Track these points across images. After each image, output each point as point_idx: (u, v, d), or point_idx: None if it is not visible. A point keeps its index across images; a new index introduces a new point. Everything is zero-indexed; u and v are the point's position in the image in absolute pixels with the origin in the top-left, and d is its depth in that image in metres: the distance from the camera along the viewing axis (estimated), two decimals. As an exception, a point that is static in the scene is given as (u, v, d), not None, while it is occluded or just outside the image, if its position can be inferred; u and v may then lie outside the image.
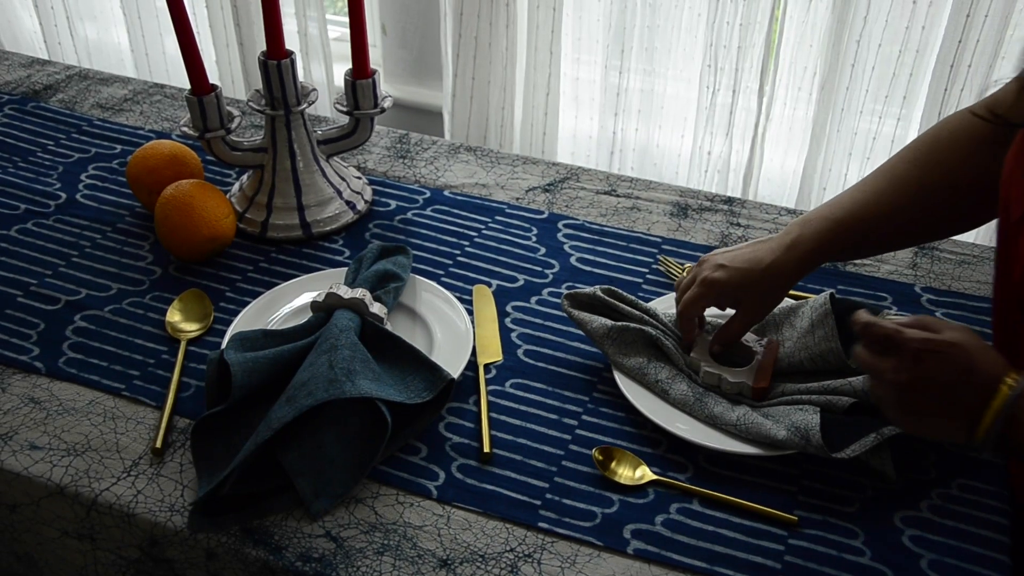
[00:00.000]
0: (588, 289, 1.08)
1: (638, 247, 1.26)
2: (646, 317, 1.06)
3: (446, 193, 1.36)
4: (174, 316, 1.14)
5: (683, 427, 0.98)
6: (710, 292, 1.01)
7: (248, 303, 1.14)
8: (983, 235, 1.79)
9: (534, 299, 1.17)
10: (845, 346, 0.98)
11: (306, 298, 1.14)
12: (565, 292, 1.09)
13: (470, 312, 1.14)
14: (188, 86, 1.20)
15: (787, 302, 1.10)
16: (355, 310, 1.04)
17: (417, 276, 1.18)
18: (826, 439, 0.92)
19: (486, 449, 0.97)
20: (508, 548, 0.88)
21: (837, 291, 1.12)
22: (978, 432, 0.78)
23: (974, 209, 1.00)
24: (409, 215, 1.32)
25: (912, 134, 1.80)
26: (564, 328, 1.13)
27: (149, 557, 0.93)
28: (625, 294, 1.08)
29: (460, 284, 1.19)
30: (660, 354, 1.04)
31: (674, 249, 1.25)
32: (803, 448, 0.93)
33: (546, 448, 0.98)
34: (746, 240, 1.27)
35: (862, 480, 0.94)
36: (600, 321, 1.05)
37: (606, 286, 1.09)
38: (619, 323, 1.04)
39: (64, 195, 1.35)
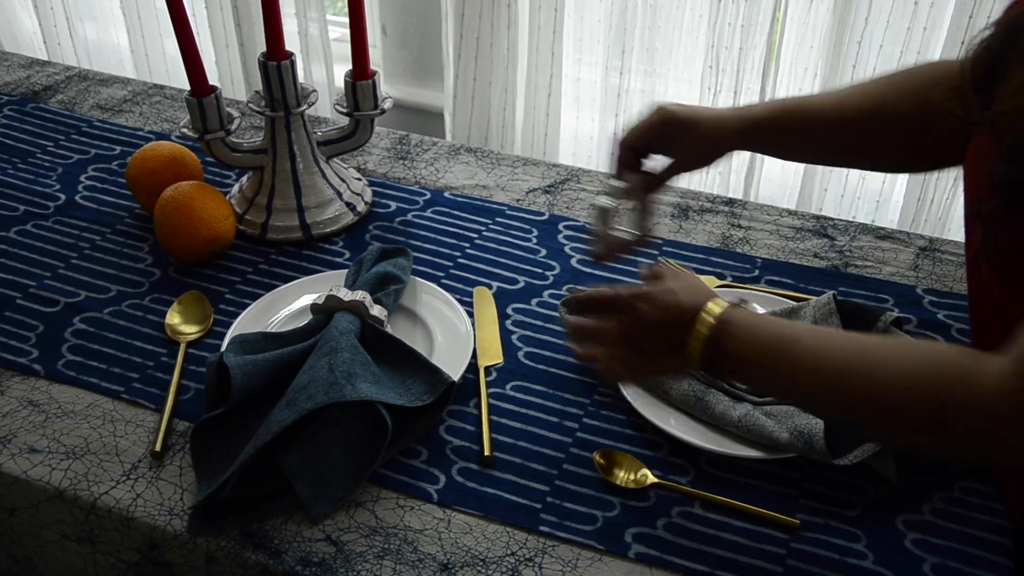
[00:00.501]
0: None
1: (639, 248, 1.25)
2: None
3: (446, 194, 1.36)
4: (173, 318, 1.13)
5: (684, 430, 0.97)
6: (659, 117, 1.02)
7: (248, 305, 1.14)
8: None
9: (535, 301, 1.17)
10: None
11: (306, 300, 1.14)
12: (561, 301, 1.08)
13: (470, 314, 1.14)
14: (188, 87, 1.19)
15: (788, 303, 1.10)
16: (355, 312, 1.04)
17: (417, 278, 1.18)
18: (829, 444, 0.91)
19: (487, 452, 0.96)
20: (509, 552, 0.88)
21: (839, 292, 1.12)
22: (689, 359, 0.86)
23: (916, 149, 1.02)
24: (409, 217, 1.32)
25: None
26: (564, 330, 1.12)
27: (148, 560, 0.93)
28: None
29: (460, 286, 1.19)
30: None
31: (675, 251, 1.25)
32: (805, 453, 0.93)
33: (547, 451, 0.98)
34: (747, 242, 1.26)
35: (864, 483, 0.94)
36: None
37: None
38: None
39: (63, 196, 1.35)
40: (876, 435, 0.87)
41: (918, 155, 1.03)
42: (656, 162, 1.05)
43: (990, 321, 0.90)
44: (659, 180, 1.05)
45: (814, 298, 1.06)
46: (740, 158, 1.96)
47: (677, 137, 1.03)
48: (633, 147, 1.05)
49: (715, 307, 0.85)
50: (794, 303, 1.08)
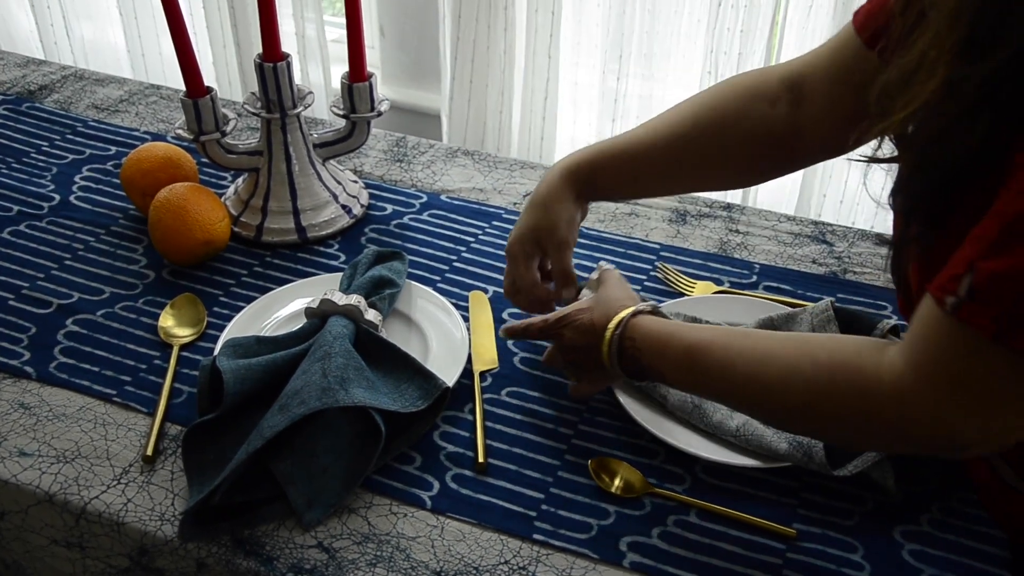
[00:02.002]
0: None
1: (636, 253, 1.25)
2: None
3: (443, 197, 1.35)
4: (167, 321, 1.12)
5: (680, 438, 0.97)
6: (514, 254, 1.05)
7: (242, 308, 1.13)
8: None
9: (531, 306, 1.16)
10: None
11: (300, 304, 1.13)
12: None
13: (466, 319, 1.13)
14: (184, 88, 1.19)
15: (785, 310, 1.10)
16: (350, 317, 1.03)
17: (413, 282, 1.17)
18: (828, 455, 0.91)
19: (481, 459, 0.96)
20: (503, 560, 0.87)
21: (836, 299, 1.11)
22: (614, 374, 0.93)
23: (738, 169, 1.04)
24: (405, 220, 1.31)
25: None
26: (561, 336, 1.12)
27: (139, 566, 0.92)
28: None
29: (456, 290, 1.18)
30: None
31: (672, 256, 1.24)
32: (804, 464, 0.92)
33: (542, 458, 0.97)
34: (744, 247, 1.26)
35: (862, 494, 0.93)
36: None
37: None
38: None
39: (58, 197, 1.34)
40: (794, 431, 0.90)
41: (752, 163, 1.04)
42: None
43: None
44: (565, 278, 1.06)
45: (811, 304, 1.05)
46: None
47: (541, 248, 1.05)
48: (518, 260, 1.05)
49: (615, 321, 0.90)
50: (790, 309, 1.07)
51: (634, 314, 0.90)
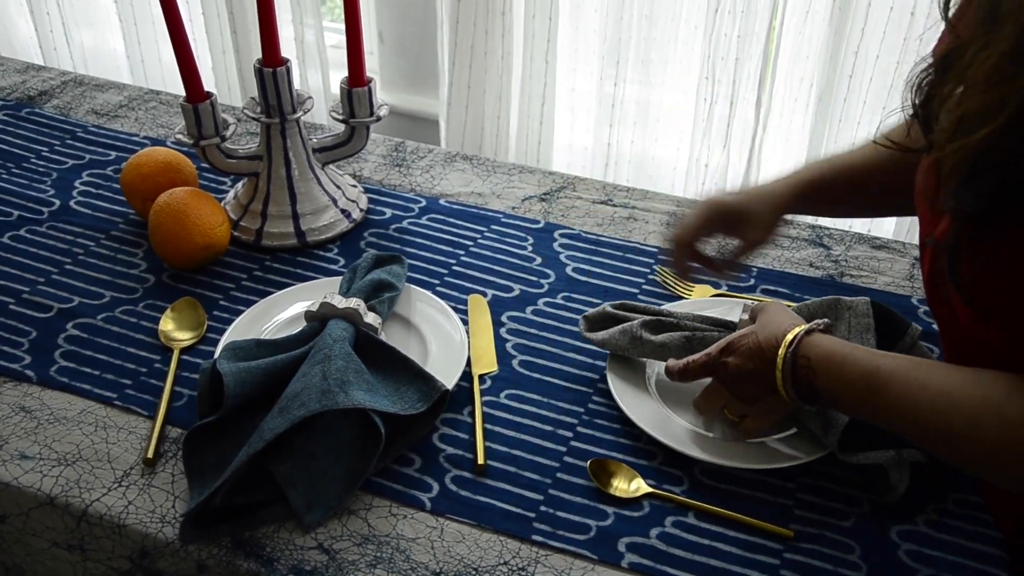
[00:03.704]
0: (599, 307, 1.08)
1: (634, 257, 1.25)
2: (664, 318, 1.05)
3: (442, 202, 1.36)
4: (167, 325, 1.13)
5: (679, 440, 0.97)
6: (711, 209, 1.06)
7: (242, 312, 1.14)
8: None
9: (530, 309, 1.17)
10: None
11: (300, 307, 1.13)
12: (582, 316, 1.08)
13: (465, 322, 1.13)
14: (183, 93, 1.19)
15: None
16: (349, 320, 1.04)
17: (412, 286, 1.17)
18: (843, 438, 0.91)
19: (480, 461, 0.96)
20: (502, 561, 0.88)
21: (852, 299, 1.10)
22: (784, 397, 0.90)
23: None
24: (404, 224, 1.31)
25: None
26: (560, 339, 1.12)
27: (140, 568, 0.93)
28: (637, 304, 1.08)
29: (455, 294, 1.19)
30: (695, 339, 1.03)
31: (671, 259, 1.25)
32: (819, 435, 0.93)
33: (541, 460, 0.97)
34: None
35: (859, 494, 0.94)
36: (624, 326, 1.04)
37: (617, 301, 1.08)
38: (651, 317, 1.04)
39: (58, 202, 1.35)
40: (973, 472, 0.89)
41: None
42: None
43: (957, 338, 0.91)
44: (732, 266, 1.11)
45: (848, 299, 1.03)
46: (735, 166, 1.96)
47: (731, 225, 1.07)
48: (687, 244, 1.08)
49: (788, 340, 0.87)
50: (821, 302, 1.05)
51: (807, 332, 0.88)
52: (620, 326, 1.04)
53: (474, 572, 0.87)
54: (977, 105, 0.71)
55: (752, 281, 1.21)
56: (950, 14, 0.80)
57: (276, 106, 1.22)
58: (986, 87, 0.70)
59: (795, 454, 0.95)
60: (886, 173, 1.03)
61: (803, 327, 0.88)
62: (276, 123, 1.24)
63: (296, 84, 1.24)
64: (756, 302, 1.03)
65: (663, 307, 1.09)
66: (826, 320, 0.90)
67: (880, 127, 1.04)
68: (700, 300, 1.16)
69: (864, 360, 0.84)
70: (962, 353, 0.89)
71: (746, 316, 1.00)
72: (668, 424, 0.99)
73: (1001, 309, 0.78)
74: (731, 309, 1.12)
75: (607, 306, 1.07)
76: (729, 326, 1.03)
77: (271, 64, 1.20)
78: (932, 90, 0.79)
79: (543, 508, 0.92)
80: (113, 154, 1.46)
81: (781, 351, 0.87)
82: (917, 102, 0.81)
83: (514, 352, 1.10)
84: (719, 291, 1.19)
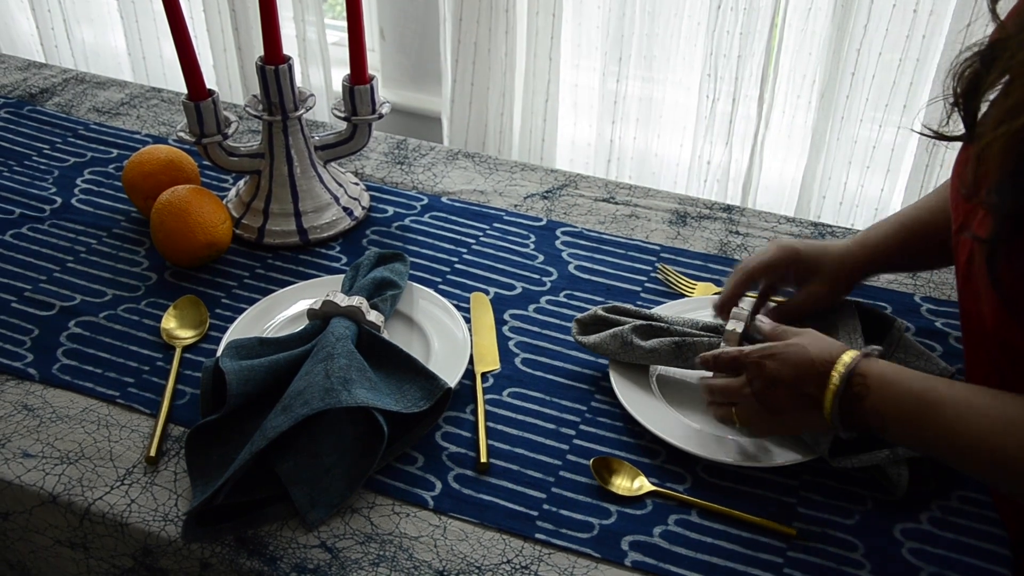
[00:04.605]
0: (590, 310, 1.08)
1: (637, 255, 1.25)
2: (654, 323, 1.05)
3: (444, 200, 1.36)
4: (169, 323, 1.13)
5: (681, 438, 0.97)
6: (785, 254, 1.03)
7: (244, 310, 1.14)
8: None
9: (532, 307, 1.17)
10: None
11: (302, 305, 1.13)
12: (574, 320, 1.08)
13: (467, 320, 1.13)
14: (185, 91, 1.19)
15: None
16: (352, 318, 1.04)
17: (414, 283, 1.17)
18: (834, 445, 0.91)
19: (483, 459, 0.96)
20: (505, 559, 0.88)
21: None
22: (825, 414, 0.85)
23: None
24: (407, 222, 1.31)
25: (913, 142, 1.79)
26: (562, 337, 1.12)
27: (142, 567, 0.93)
28: (629, 306, 1.07)
29: (458, 292, 1.19)
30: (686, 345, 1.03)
31: (673, 257, 1.25)
32: (810, 441, 0.93)
33: (543, 458, 0.97)
34: (744, 249, 1.26)
35: (862, 492, 0.94)
36: (615, 331, 1.03)
37: (609, 304, 1.08)
38: (642, 322, 1.04)
39: (60, 200, 1.35)
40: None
41: None
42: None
43: (981, 338, 0.90)
44: (793, 310, 1.06)
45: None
46: (738, 163, 1.96)
47: (800, 276, 1.04)
48: (753, 279, 1.05)
49: (847, 359, 0.85)
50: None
51: (865, 355, 0.86)
52: (611, 330, 1.04)
53: (477, 570, 0.87)
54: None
55: (755, 279, 1.21)
56: (997, 5, 0.79)
57: (278, 104, 1.22)
58: None
59: (798, 452, 0.95)
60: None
61: (865, 349, 0.86)
62: (278, 121, 1.23)
63: (298, 82, 1.24)
64: (743, 309, 1.02)
65: (653, 311, 1.09)
66: (880, 348, 0.88)
67: (918, 116, 1.04)
68: (694, 300, 1.16)
69: (920, 381, 0.83)
70: (987, 354, 0.89)
71: (768, 330, 0.96)
72: (671, 422, 0.99)
73: None
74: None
75: (598, 309, 1.07)
76: (719, 331, 1.03)
77: (273, 62, 1.20)
78: (977, 80, 0.78)
79: (546, 506, 0.92)
80: (115, 152, 1.46)
81: (839, 366, 0.84)
82: (959, 91, 0.80)
83: (516, 350, 1.10)
84: (720, 289, 1.19)
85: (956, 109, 0.82)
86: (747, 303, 1.05)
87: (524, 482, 0.95)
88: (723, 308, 1.05)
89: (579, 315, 1.08)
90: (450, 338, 1.09)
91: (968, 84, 0.80)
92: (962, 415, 0.79)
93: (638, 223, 1.32)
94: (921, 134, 0.93)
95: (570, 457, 0.97)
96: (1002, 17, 0.81)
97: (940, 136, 0.86)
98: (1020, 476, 0.77)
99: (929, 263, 1.13)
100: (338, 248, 1.27)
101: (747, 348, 0.91)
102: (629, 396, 1.02)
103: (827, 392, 0.84)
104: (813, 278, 1.04)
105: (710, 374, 1.02)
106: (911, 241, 1.03)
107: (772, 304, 1.08)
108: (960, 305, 0.94)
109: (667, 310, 1.12)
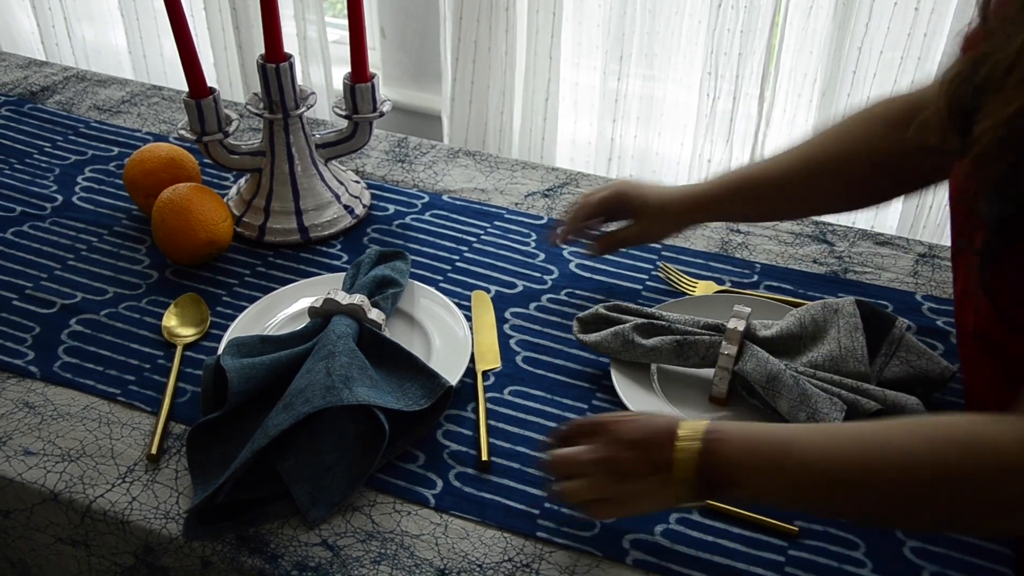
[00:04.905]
0: (592, 308, 1.07)
1: (638, 253, 1.25)
2: (656, 321, 1.05)
3: (445, 198, 1.36)
4: (170, 321, 1.13)
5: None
6: (619, 191, 1.13)
7: (245, 308, 1.14)
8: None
9: (533, 305, 1.17)
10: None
11: (303, 303, 1.13)
12: (575, 318, 1.08)
13: (468, 318, 1.13)
14: (186, 89, 1.19)
15: (787, 308, 1.10)
16: (353, 316, 1.04)
17: (415, 282, 1.17)
18: None
19: (484, 457, 0.96)
20: (506, 558, 0.88)
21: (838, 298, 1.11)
22: (678, 479, 0.79)
23: (882, 186, 1.06)
24: (407, 220, 1.31)
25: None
26: (563, 335, 1.12)
27: (144, 564, 0.93)
28: (630, 305, 1.07)
29: (458, 290, 1.19)
30: (688, 344, 1.03)
31: (674, 256, 1.25)
32: None
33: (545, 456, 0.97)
34: (745, 247, 1.26)
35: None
36: (616, 329, 1.03)
37: (610, 302, 1.08)
38: (644, 320, 1.04)
39: (60, 198, 1.35)
40: (906, 526, 0.86)
41: (869, 190, 1.07)
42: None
43: (977, 356, 0.91)
44: (616, 243, 1.16)
45: (832, 300, 1.03)
46: (738, 161, 1.96)
47: (630, 213, 1.13)
48: (589, 214, 1.15)
49: (696, 422, 0.81)
50: (805, 309, 1.05)
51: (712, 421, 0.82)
52: (612, 329, 1.04)
53: (478, 569, 0.87)
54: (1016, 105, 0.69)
55: (755, 278, 1.21)
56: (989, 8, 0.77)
57: (279, 102, 1.22)
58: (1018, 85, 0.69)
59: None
60: (811, 190, 1.06)
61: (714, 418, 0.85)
62: (279, 119, 1.23)
63: (299, 80, 1.24)
64: (744, 308, 1.03)
65: (655, 309, 1.09)
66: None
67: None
68: (695, 299, 1.16)
69: (774, 428, 0.80)
70: (982, 383, 0.89)
71: (738, 323, 1.00)
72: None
73: None
74: (724, 311, 1.11)
75: (600, 308, 1.07)
76: (720, 329, 1.03)
77: (274, 60, 1.20)
78: (966, 89, 0.78)
79: (547, 505, 0.92)
80: (116, 150, 1.46)
81: (687, 426, 0.80)
82: (949, 101, 0.80)
83: (517, 348, 1.10)
84: (722, 287, 1.19)
85: (949, 120, 0.81)
86: (747, 301, 1.05)
87: (525, 480, 0.95)
88: (562, 238, 1.17)
89: (580, 313, 1.08)
90: (451, 336, 1.09)
91: (962, 96, 0.79)
92: (830, 443, 0.77)
93: (639, 221, 1.31)
94: (918, 142, 0.93)
95: (571, 455, 0.97)
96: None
97: (939, 147, 0.86)
98: (905, 495, 0.75)
99: (774, 215, 1.19)
100: (339, 246, 1.27)
101: (594, 416, 0.88)
102: (630, 394, 1.02)
103: (680, 452, 0.79)
104: (640, 217, 1.13)
105: (711, 373, 1.02)
106: (751, 196, 1.09)
107: (603, 231, 1.17)
108: (956, 317, 0.94)
109: (668, 308, 1.12)
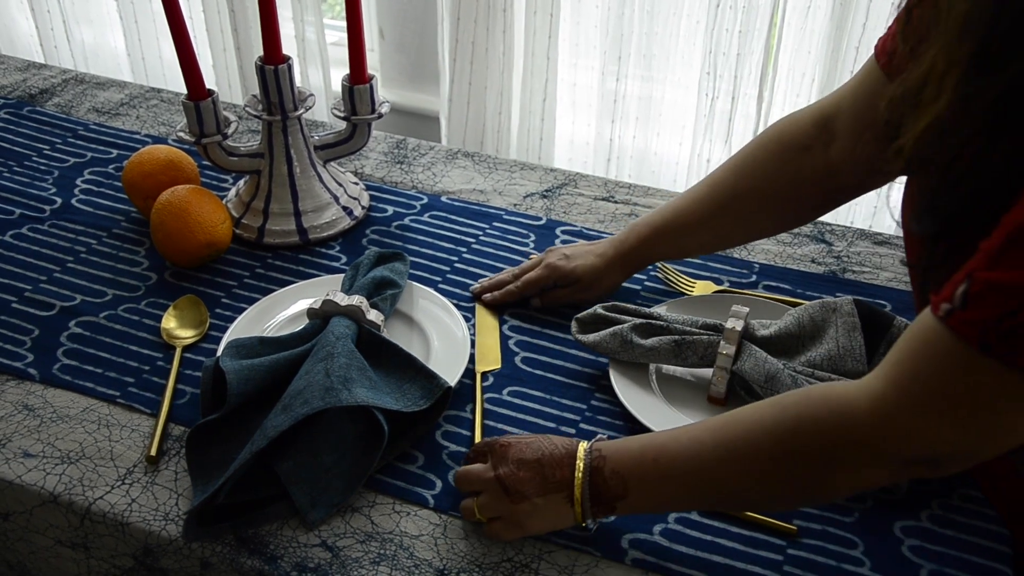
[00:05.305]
0: (590, 309, 1.07)
1: (636, 254, 1.25)
2: (654, 321, 1.05)
3: (443, 199, 1.36)
4: (169, 322, 1.13)
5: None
6: (551, 270, 1.14)
7: (244, 309, 1.14)
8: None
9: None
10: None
11: (302, 305, 1.13)
12: (574, 318, 1.08)
13: (467, 319, 1.13)
14: (185, 91, 1.19)
15: (786, 308, 1.10)
16: (352, 317, 1.04)
17: (414, 283, 1.17)
18: None
19: (482, 458, 0.96)
20: (505, 558, 0.88)
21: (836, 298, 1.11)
22: (576, 490, 0.84)
23: (784, 215, 1.09)
24: (406, 221, 1.31)
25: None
26: (562, 335, 1.12)
27: (143, 566, 0.93)
28: (629, 305, 1.08)
29: (458, 291, 1.19)
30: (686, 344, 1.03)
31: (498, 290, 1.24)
32: None
33: (544, 457, 0.97)
34: (744, 247, 1.26)
35: (862, 490, 0.94)
36: (615, 329, 1.03)
37: (609, 302, 1.08)
38: (642, 320, 1.04)
39: (59, 200, 1.35)
40: (770, 505, 0.88)
41: (792, 211, 1.09)
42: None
43: None
44: (553, 303, 1.16)
45: (830, 299, 1.03)
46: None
47: (564, 285, 1.15)
48: (520, 295, 1.16)
49: (586, 443, 0.86)
50: (804, 309, 1.05)
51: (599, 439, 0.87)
52: (610, 329, 1.04)
53: (477, 569, 0.87)
54: (938, 112, 0.68)
55: (754, 278, 1.21)
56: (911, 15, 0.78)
57: (277, 103, 1.22)
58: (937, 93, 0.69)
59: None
60: (740, 218, 1.09)
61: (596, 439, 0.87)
62: (277, 120, 1.24)
63: (297, 81, 1.24)
64: (742, 308, 1.03)
65: (653, 309, 1.09)
66: (604, 435, 0.89)
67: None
68: (693, 299, 1.16)
69: (644, 436, 0.85)
70: None
71: (736, 323, 1.00)
72: (671, 420, 0.99)
73: None
74: (723, 311, 1.11)
75: (598, 308, 1.07)
76: (718, 329, 1.03)
77: (272, 61, 1.20)
78: (899, 106, 0.78)
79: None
80: (114, 152, 1.46)
81: (581, 447, 0.85)
82: (887, 119, 0.79)
83: (516, 349, 1.10)
84: (720, 287, 1.19)
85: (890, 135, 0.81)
86: (746, 301, 1.05)
87: (524, 481, 0.95)
88: (488, 303, 1.16)
89: (579, 314, 1.08)
90: (450, 337, 1.09)
91: (892, 111, 0.79)
92: (692, 433, 0.81)
93: (637, 222, 1.31)
94: (811, 128, 0.94)
95: (570, 455, 0.97)
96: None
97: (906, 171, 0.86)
98: (754, 464, 0.78)
99: (702, 251, 1.19)
100: (338, 248, 1.27)
101: (496, 437, 0.91)
102: (629, 395, 1.02)
103: (575, 470, 0.84)
104: (576, 288, 1.14)
105: (709, 373, 1.02)
106: (666, 242, 1.12)
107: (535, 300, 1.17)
108: None
109: (667, 309, 1.12)
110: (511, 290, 1.16)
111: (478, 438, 0.98)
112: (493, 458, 0.88)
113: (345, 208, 1.29)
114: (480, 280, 1.19)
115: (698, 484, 0.82)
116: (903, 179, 0.84)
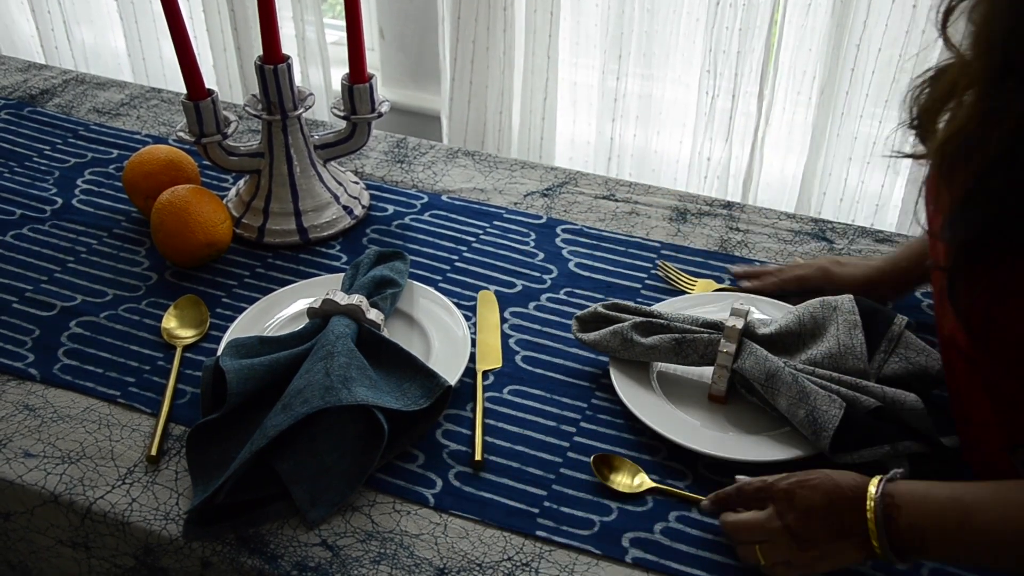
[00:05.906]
0: (591, 307, 1.07)
1: (637, 252, 1.25)
2: (654, 320, 1.05)
3: (444, 198, 1.36)
4: (170, 322, 1.13)
5: (682, 434, 0.97)
6: (822, 277, 1.13)
7: (244, 309, 1.14)
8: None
9: (532, 305, 1.17)
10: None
11: (302, 304, 1.13)
12: (574, 317, 1.08)
13: (468, 318, 1.13)
14: (185, 91, 1.19)
15: (787, 307, 1.10)
16: (352, 316, 1.04)
17: (414, 282, 1.17)
18: (835, 438, 0.91)
19: (478, 457, 0.96)
20: (506, 557, 0.88)
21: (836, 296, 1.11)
22: (873, 539, 0.79)
23: None
24: (406, 220, 1.31)
25: (911, 139, 1.79)
26: (562, 334, 1.12)
27: (144, 566, 0.93)
28: (629, 303, 1.07)
29: (458, 290, 1.19)
30: (686, 342, 1.03)
31: (673, 254, 1.25)
32: (811, 437, 0.93)
33: (544, 455, 0.97)
34: (745, 245, 1.26)
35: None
36: (615, 328, 1.03)
37: (609, 301, 1.08)
38: (642, 319, 1.04)
39: (60, 200, 1.35)
40: None
41: None
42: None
43: (951, 359, 0.91)
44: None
45: (831, 298, 1.03)
46: (738, 159, 1.96)
47: (828, 292, 1.08)
48: (780, 287, 1.15)
49: (876, 480, 0.81)
50: (806, 308, 1.05)
51: (890, 478, 0.81)
52: (611, 327, 1.04)
53: (478, 568, 0.87)
54: (963, 123, 0.69)
55: (755, 275, 1.21)
56: (948, 30, 0.77)
57: (277, 103, 1.22)
58: (972, 106, 0.69)
59: (799, 448, 0.95)
60: None
61: (887, 475, 0.82)
62: (277, 120, 1.24)
63: (297, 81, 1.24)
64: (743, 306, 1.03)
65: (653, 307, 1.09)
66: (902, 470, 0.83)
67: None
68: (694, 297, 1.16)
69: (947, 489, 0.79)
70: (960, 385, 0.89)
71: (737, 321, 1.00)
72: (672, 419, 0.99)
73: (997, 339, 0.78)
74: (723, 309, 1.11)
75: (599, 306, 1.07)
76: (719, 327, 1.03)
77: (272, 61, 1.20)
78: (927, 102, 0.78)
79: (546, 504, 0.92)
80: (115, 152, 1.46)
81: (871, 489, 0.80)
82: (915, 115, 0.80)
83: (517, 348, 1.10)
84: (721, 286, 1.19)
85: (916, 134, 0.81)
86: (746, 300, 1.05)
87: (525, 479, 0.95)
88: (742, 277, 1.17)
89: (579, 312, 1.08)
90: (450, 336, 1.09)
91: (923, 108, 0.79)
92: (1008, 512, 0.76)
93: (638, 220, 1.31)
94: (891, 156, 0.93)
95: (571, 454, 0.97)
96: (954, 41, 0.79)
97: (912, 156, 0.85)
98: None
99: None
100: (338, 247, 1.27)
101: (771, 478, 0.86)
102: (630, 393, 1.02)
103: (865, 511, 0.80)
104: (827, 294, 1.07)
105: (710, 371, 1.02)
106: (915, 263, 1.08)
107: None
108: (938, 331, 0.94)
109: (667, 307, 1.12)
110: (774, 281, 1.15)
111: (478, 438, 0.98)
112: (777, 505, 0.83)
113: (345, 207, 1.29)
114: (739, 263, 1.21)
115: (1007, 553, 0.77)
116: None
